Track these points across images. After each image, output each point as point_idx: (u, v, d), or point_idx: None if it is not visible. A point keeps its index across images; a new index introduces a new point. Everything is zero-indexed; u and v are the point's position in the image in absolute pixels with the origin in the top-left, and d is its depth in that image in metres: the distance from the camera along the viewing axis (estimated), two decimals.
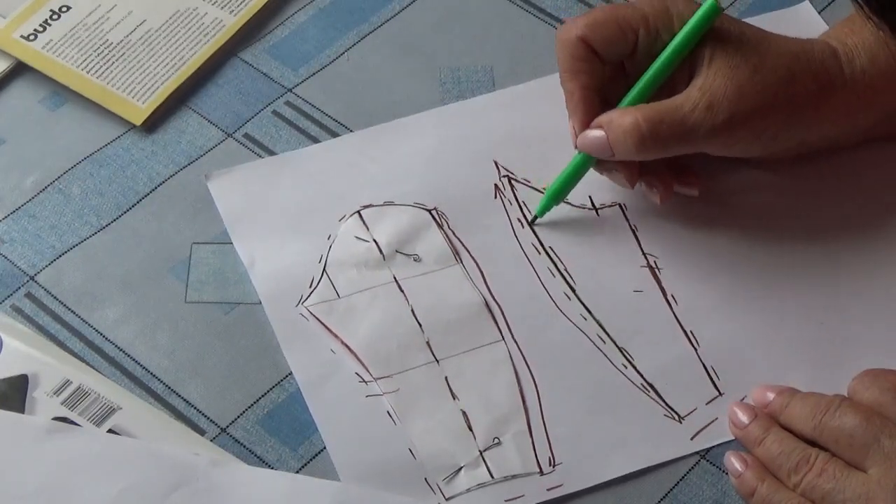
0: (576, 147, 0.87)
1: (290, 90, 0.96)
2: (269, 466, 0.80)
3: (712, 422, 0.82)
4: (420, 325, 0.85)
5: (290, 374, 0.84)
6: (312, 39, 0.99)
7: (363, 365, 0.83)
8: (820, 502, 0.75)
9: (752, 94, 0.84)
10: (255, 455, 0.81)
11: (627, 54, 0.87)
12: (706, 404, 0.82)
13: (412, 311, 0.85)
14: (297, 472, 0.80)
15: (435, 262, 0.88)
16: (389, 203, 0.90)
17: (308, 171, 0.92)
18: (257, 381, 0.84)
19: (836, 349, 0.84)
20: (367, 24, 1.00)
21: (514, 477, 0.80)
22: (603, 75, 0.87)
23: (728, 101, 0.84)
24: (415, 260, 0.87)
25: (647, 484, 0.80)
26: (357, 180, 0.91)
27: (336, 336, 0.84)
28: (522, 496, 0.79)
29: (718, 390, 0.83)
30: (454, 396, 0.82)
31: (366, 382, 0.83)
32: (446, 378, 0.83)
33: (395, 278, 0.87)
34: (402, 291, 0.86)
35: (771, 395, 0.80)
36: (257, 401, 0.83)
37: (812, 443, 0.78)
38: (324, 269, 0.87)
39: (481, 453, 0.80)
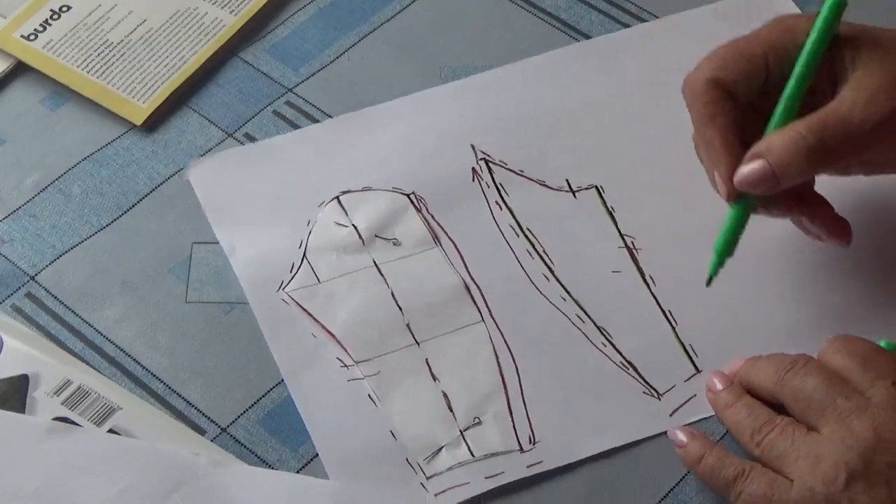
0: (727, 199, 0.81)
1: (290, 90, 0.96)
2: (270, 466, 0.80)
3: (691, 398, 0.82)
4: (400, 309, 0.85)
5: None
6: (313, 39, 0.99)
7: (344, 349, 0.84)
8: (775, 461, 0.75)
9: None
10: (256, 455, 0.81)
11: (761, 87, 0.82)
12: (685, 381, 0.83)
13: (392, 294, 0.86)
14: (298, 472, 0.80)
15: (414, 245, 0.88)
16: (368, 188, 0.90)
17: (287, 158, 0.92)
18: (258, 381, 0.84)
19: (813, 326, 0.84)
20: (368, 23, 1.00)
21: (494, 455, 0.80)
22: (739, 116, 0.81)
23: (886, 91, 0.79)
24: (394, 244, 0.88)
25: (648, 484, 0.80)
26: (335, 166, 0.91)
27: (317, 321, 0.85)
28: (503, 473, 0.79)
29: (697, 368, 0.83)
30: (435, 378, 0.83)
31: (347, 367, 0.83)
32: (427, 360, 0.83)
33: (374, 262, 0.87)
34: (382, 275, 0.86)
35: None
36: (258, 401, 0.83)
37: (775, 407, 0.77)
38: (304, 255, 0.87)
39: (462, 433, 0.81)
